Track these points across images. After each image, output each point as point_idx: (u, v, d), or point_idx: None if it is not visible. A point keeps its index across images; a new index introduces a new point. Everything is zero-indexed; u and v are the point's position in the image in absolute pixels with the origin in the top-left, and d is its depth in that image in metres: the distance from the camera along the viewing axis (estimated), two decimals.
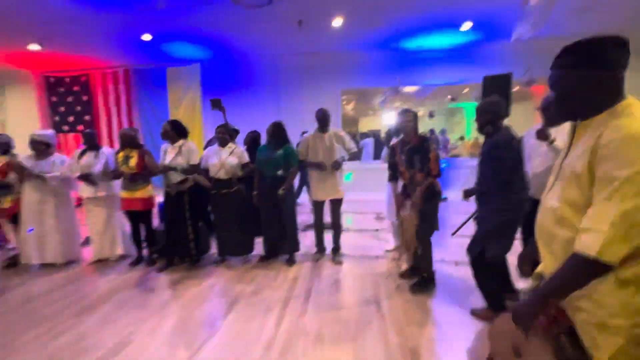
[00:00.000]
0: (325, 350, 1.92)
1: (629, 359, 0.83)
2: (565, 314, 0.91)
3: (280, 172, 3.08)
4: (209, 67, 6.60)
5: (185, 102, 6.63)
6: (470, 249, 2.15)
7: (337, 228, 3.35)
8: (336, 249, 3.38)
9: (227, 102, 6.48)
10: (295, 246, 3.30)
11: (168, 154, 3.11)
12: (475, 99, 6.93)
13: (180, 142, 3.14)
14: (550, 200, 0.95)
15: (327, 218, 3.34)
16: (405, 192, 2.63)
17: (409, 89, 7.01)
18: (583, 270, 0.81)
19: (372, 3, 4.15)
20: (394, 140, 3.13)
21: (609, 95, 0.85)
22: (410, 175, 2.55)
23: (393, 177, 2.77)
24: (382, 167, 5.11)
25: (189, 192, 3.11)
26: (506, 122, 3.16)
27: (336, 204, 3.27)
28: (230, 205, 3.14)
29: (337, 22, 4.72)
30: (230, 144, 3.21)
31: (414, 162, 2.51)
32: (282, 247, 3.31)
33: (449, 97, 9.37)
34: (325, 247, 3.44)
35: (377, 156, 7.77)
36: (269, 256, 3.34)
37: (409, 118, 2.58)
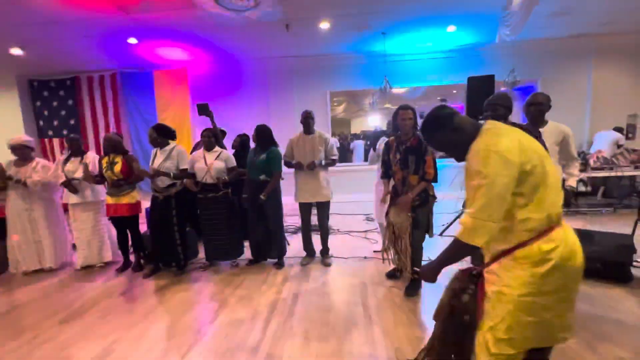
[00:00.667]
0: (312, 352, 1.93)
1: (515, 322, 1.06)
2: (482, 281, 1.19)
3: (262, 177, 3.07)
4: (196, 69, 6.57)
5: (174, 105, 6.58)
6: None
7: (324, 230, 3.35)
8: (324, 251, 3.39)
9: (216, 105, 6.47)
10: (282, 250, 3.29)
11: (157, 158, 3.09)
12: (462, 99, 7.03)
13: (170, 146, 3.11)
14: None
15: (316, 220, 3.35)
16: (395, 192, 2.55)
17: (399, 90, 7.08)
18: (455, 247, 1.14)
19: (358, 7, 4.20)
20: (382, 142, 3.14)
21: (468, 137, 1.14)
22: (403, 176, 2.45)
23: (385, 175, 2.67)
24: (370, 169, 5.16)
25: (176, 197, 3.09)
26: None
27: (323, 206, 3.27)
28: (218, 210, 3.13)
29: (324, 25, 4.75)
30: (216, 148, 3.20)
31: (409, 162, 2.40)
32: (270, 251, 3.30)
33: (439, 98, 9.52)
34: (314, 250, 3.45)
35: (367, 157, 7.86)
36: (257, 260, 3.34)
37: (409, 115, 2.42)
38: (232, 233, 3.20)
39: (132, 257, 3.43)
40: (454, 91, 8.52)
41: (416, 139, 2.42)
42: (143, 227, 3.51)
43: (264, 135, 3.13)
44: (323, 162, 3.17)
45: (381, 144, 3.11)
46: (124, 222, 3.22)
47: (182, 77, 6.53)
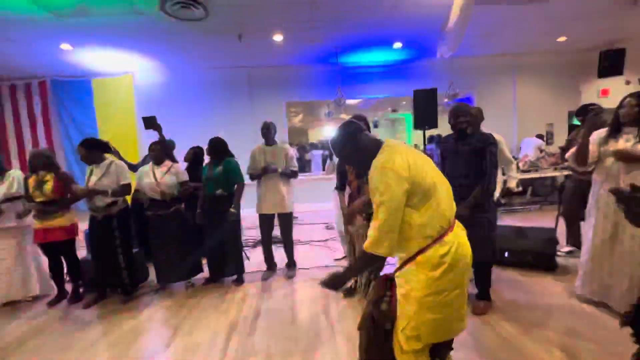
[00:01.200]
0: None
1: (420, 321, 1.18)
2: (393, 286, 1.30)
3: (219, 191, 2.97)
4: (143, 78, 6.18)
5: (117, 116, 6.09)
6: (481, 257, 2.13)
7: (288, 243, 3.30)
8: (290, 263, 3.34)
9: (167, 116, 6.13)
10: (241, 265, 3.18)
11: (93, 175, 2.81)
12: (410, 109, 7.52)
13: (107, 161, 2.86)
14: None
15: (277, 232, 3.31)
16: (351, 202, 2.57)
17: (352, 101, 7.37)
18: (366, 258, 1.24)
19: (308, 21, 4.32)
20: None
21: (368, 150, 1.27)
22: (358, 185, 2.48)
23: (340, 186, 2.68)
24: (328, 178, 5.21)
25: (118, 216, 2.83)
26: (435, 131, 3.34)
27: (285, 218, 3.23)
28: (169, 228, 2.93)
29: (278, 37, 4.81)
30: (166, 162, 3.03)
31: (362, 172, 2.39)
32: (227, 268, 3.17)
33: (390, 108, 10.11)
34: (275, 264, 3.38)
35: (325, 167, 8.00)
36: (215, 278, 3.18)
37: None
38: (186, 252, 3.02)
39: (68, 287, 3.05)
40: (403, 102, 9.13)
41: None
42: (81, 252, 3.16)
43: (218, 147, 3.04)
44: (279, 170, 3.12)
45: None
46: (57, 248, 2.86)
47: (126, 85, 6.09)
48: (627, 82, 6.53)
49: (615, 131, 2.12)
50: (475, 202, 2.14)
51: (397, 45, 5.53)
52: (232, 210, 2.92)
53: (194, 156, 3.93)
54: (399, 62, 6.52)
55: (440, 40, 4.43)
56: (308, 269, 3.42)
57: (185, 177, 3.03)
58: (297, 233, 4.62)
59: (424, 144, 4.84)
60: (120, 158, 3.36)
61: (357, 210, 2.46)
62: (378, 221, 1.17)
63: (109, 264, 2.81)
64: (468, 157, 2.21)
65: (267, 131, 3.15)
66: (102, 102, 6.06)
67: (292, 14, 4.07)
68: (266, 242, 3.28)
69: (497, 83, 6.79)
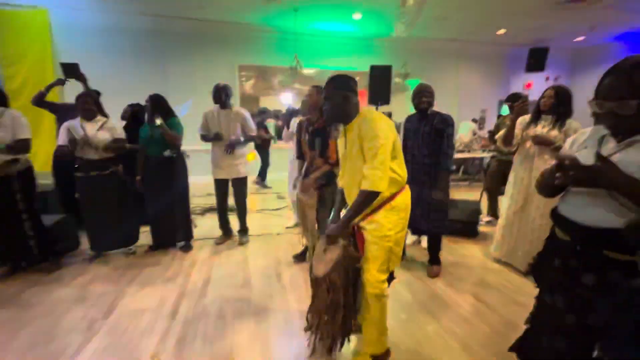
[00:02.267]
0: (227, 328, 1.93)
1: (392, 254, 1.49)
2: (360, 230, 1.52)
3: (167, 152, 2.77)
4: (65, 16, 5.16)
5: (28, 60, 5.07)
6: (437, 227, 2.45)
7: (242, 209, 3.25)
8: (243, 230, 3.32)
9: (95, 66, 5.33)
10: (189, 232, 3.08)
11: None
12: (365, 86, 7.66)
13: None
14: (352, 169, 1.51)
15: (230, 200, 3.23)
16: (307, 173, 2.54)
17: (308, 71, 7.20)
18: (366, 198, 1.38)
19: None
20: (294, 121, 3.16)
21: (356, 109, 1.50)
22: (312, 157, 2.47)
23: (299, 155, 2.63)
24: (286, 147, 5.10)
25: (20, 176, 2.43)
26: (386, 109, 3.47)
27: (239, 183, 3.16)
28: (104, 191, 2.66)
29: None
30: (99, 117, 2.68)
31: (315, 144, 2.40)
32: (176, 234, 3.03)
33: None
34: (231, 230, 3.34)
35: (280, 136, 7.85)
36: (158, 245, 3.02)
37: (311, 92, 2.43)
38: (124, 217, 2.79)
39: None
40: (357, 78, 9.22)
41: (322, 121, 2.39)
42: None
43: (161, 104, 2.77)
44: (242, 139, 3.04)
45: (295, 123, 3.15)
46: None
47: (40, 22, 5.04)
48: (547, 78, 7.51)
49: (535, 118, 2.47)
50: (445, 185, 2.38)
51: (357, 15, 5.46)
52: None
53: (133, 115, 3.53)
54: (358, 36, 6.49)
55: (398, 17, 4.50)
56: (259, 235, 3.45)
57: (121, 133, 2.73)
58: (248, 201, 4.56)
59: None
60: (88, 89, 2.84)
61: (306, 187, 2.42)
62: (377, 162, 1.34)
63: (11, 232, 2.43)
64: (429, 137, 2.36)
65: (220, 94, 2.95)
66: (7, 40, 4.96)
67: None
68: (222, 208, 3.21)
69: (443, 67, 7.23)
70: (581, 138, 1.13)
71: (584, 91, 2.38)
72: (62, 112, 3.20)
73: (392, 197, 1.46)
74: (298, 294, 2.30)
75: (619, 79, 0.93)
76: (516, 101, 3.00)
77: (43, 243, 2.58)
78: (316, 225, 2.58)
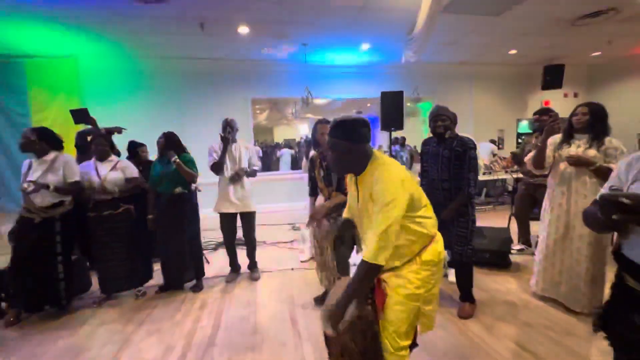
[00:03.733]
0: None
1: (416, 315, 1.27)
2: (380, 284, 1.30)
3: (178, 190, 2.73)
4: (89, 63, 5.55)
5: (57, 105, 5.40)
6: (461, 253, 2.22)
7: (251, 243, 3.14)
8: (252, 265, 3.18)
9: (116, 108, 5.58)
10: (200, 270, 2.96)
11: (34, 170, 2.41)
12: (377, 112, 7.67)
13: (51, 155, 2.47)
14: (368, 226, 1.27)
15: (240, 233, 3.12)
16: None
17: (319, 101, 7.31)
18: (367, 273, 1.18)
19: (275, 16, 4.16)
20: (312, 153, 3.09)
21: (366, 158, 1.26)
22: (329, 193, 2.32)
23: (312, 192, 2.50)
24: (298, 177, 5.01)
25: (62, 219, 2.46)
26: (399, 133, 3.34)
27: (248, 217, 3.07)
28: (116, 230, 2.62)
29: (243, 29, 4.58)
30: (112, 157, 2.71)
31: (332, 179, 2.27)
32: (186, 274, 2.92)
33: (354, 110, 10.24)
34: (239, 265, 3.20)
35: (294, 166, 7.84)
36: (169, 286, 2.91)
37: (322, 128, 2.31)
38: (136, 257, 2.72)
39: None
40: (368, 104, 9.29)
41: None
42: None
43: (173, 141, 2.78)
44: (247, 170, 2.99)
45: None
46: None
47: (69, 70, 5.42)
48: (565, 95, 7.27)
49: (568, 137, 2.27)
50: (458, 207, 2.18)
51: (365, 46, 5.56)
52: (173, 159, 2.63)
53: (130, 149, 3.54)
54: (366, 64, 6.59)
55: (406, 45, 4.53)
56: (272, 271, 3.28)
57: (134, 172, 2.74)
58: (262, 234, 4.45)
59: (390, 145, 4.93)
60: (99, 133, 2.92)
61: (321, 214, 2.25)
62: (381, 229, 1.15)
63: (42, 275, 2.42)
64: (449, 162, 2.20)
65: (230, 129, 2.94)
66: (37, 88, 5.33)
67: (258, 6, 3.89)
68: (230, 243, 3.09)
69: (456, 90, 7.15)
70: (637, 164, 0.96)
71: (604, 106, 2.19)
72: (84, 151, 3.33)
73: (421, 249, 1.28)
74: (314, 342, 2.08)
75: None
76: (545, 114, 2.82)
77: (70, 287, 2.56)
78: (333, 264, 2.40)
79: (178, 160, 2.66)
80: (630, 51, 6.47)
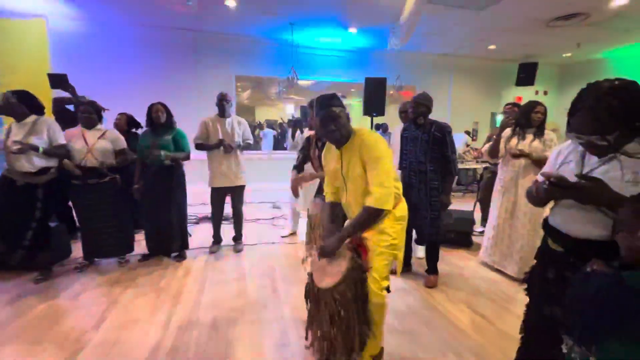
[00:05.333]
0: (221, 338, 1.90)
1: (392, 260, 1.53)
2: (362, 241, 1.50)
3: (167, 161, 2.77)
4: (62, 25, 5.22)
5: (24, 67, 5.08)
6: (433, 234, 2.43)
7: (238, 216, 3.27)
8: (238, 237, 3.32)
9: (92, 76, 5.34)
10: (185, 241, 3.05)
11: (14, 134, 2.35)
12: (358, 96, 7.78)
13: (31, 118, 2.42)
14: (355, 190, 1.53)
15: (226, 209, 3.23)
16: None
17: (304, 82, 7.31)
18: (372, 215, 1.42)
19: None
20: (307, 132, 3.20)
21: (348, 130, 1.50)
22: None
23: (299, 168, 2.59)
24: (281, 157, 5.05)
25: (45, 187, 2.45)
26: (381, 120, 3.54)
27: (238, 191, 3.18)
28: (102, 198, 2.65)
29: (231, 3, 4.48)
30: (99, 125, 2.69)
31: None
32: (170, 244, 3.00)
33: (339, 93, 10.28)
34: (221, 238, 3.32)
35: (276, 146, 7.87)
36: (152, 254, 3.00)
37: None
38: (121, 225, 2.78)
39: None
40: (352, 89, 9.37)
41: None
42: None
43: (171, 112, 2.81)
44: (242, 144, 3.08)
45: (300, 136, 3.23)
46: None
47: (37, 32, 5.08)
48: (536, 92, 7.72)
49: (519, 131, 2.61)
50: (450, 189, 2.43)
51: (352, 30, 5.61)
52: (162, 153, 2.69)
53: (128, 123, 3.55)
54: (353, 49, 6.64)
55: (392, 33, 4.64)
56: (254, 244, 3.44)
57: (123, 143, 2.75)
58: (244, 211, 4.55)
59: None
60: (77, 100, 2.87)
61: (305, 179, 2.40)
62: (382, 181, 1.37)
63: (19, 238, 2.43)
64: (427, 145, 2.37)
65: (223, 102, 3.00)
66: (3, 49, 4.98)
67: None
68: (219, 217, 3.21)
69: (436, 80, 7.39)
70: (565, 151, 1.18)
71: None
72: (62, 117, 3.25)
73: (393, 207, 1.51)
74: (293, 304, 2.29)
75: (586, 116, 0.98)
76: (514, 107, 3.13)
77: (33, 254, 2.53)
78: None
79: (169, 155, 2.71)
80: (596, 55, 6.95)
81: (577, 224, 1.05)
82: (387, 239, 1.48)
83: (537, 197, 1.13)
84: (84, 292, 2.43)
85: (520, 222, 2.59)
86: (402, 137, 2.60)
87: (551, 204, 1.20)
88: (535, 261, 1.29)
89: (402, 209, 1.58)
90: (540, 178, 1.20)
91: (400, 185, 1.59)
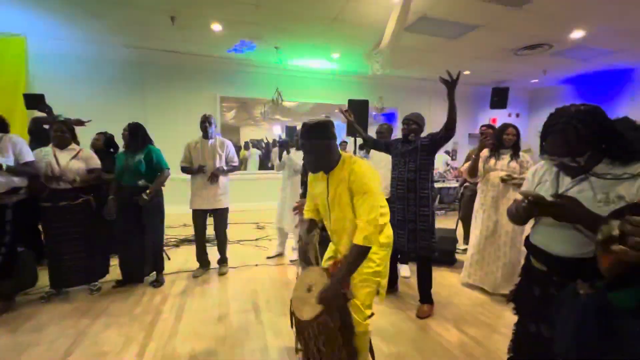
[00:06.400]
0: None
1: (379, 287, 1.51)
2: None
3: (141, 182, 2.69)
4: (43, 44, 5.13)
5: (1, 86, 4.91)
6: (425, 247, 2.31)
7: (221, 240, 3.18)
8: (222, 260, 3.22)
9: (71, 96, 5.23)
10: (160, 265, 2.91)
11: None
12: (342, 119, 7.93)
13: None
14: (341, 218, 1.48)
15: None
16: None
17: (289, 103, 7.44)
18: (361, 253, 1.34)
19: (251, 17, 4.24)
20: (292, 153, 3.28)
21: (338, 155, 1.46)
22: None
23: (304, 194, 2.57)
24: (264, 177, 4.99)
25: (15, 207, 2.31)
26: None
27: (220, 214, 3.10)
28: (74, 222, 2.51)
29: (216, 26, 4.58)
30: (72, 145, 2.60)
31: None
32: (146, 267, 2.86)
33: (323, 114, 10.51)
34: (209, 261, 3.21)
35: (262, 166, 7.82)
36: (128, 280, 2.83)
37: None
38: (94, 250, 2.62)
39: None
40: (336, 110, 9.60)
41: None
42: None
43: (139, 132, 2.75)
44: (225, 168, 3.04)
45: (290, 156, 3.26)
46: None
47: (15, 50, 4.97)
48: (509, 115, 8.17)
49: (495, 152, 2.74)
50: (421, 195, 2.34)
51: (335, 55, 5.82)
52: (143, 196, 2.62)
53: (106, 143, 3.46)
54: (336, 72, 6.87)
55: (373, 58, 4.85)
56: (236, 267, 3.32)
57: (96, 163, 2.65)
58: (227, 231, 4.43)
59: (354, 151, 5.19)
60: (55, 122, 2.78)
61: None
62: (371, 218, 1.33)
63: None
64: (415, 153, 2.35)
65: (205, 124, 2.99)
66: None
67: (234, 6, 3.95)
68: (201, 239, 3.10)
69: (417, 102, 7.71)
70: (540, 171, 1.23)
71: (540, 127, 2.67)
72: (37, 137, 3.14)
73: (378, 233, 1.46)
74: (276, 329, 2.19)
75: (557, 139, 1.03)
76: (489, 128, 3.29)
77: (15, 279, 2.41)
78: (319, 260, 2.48)
79: (150, 189, 2.67)
80: (561, 80, 7.49)
81: (557, 242, 1.08)
82: (371, 266, 1.45)
83: (517, 215, 1.17)
84: (48, 325, 2.24)
85: (502, 239, 2.65)
86: (391, 151, 2.57)
87: (531, 222, 1.24)
88: (519, 279, 1.30)
89: (387, 235, 1.55)
90: (519, 197, 1.24)
91: (386, 210, 1.53)
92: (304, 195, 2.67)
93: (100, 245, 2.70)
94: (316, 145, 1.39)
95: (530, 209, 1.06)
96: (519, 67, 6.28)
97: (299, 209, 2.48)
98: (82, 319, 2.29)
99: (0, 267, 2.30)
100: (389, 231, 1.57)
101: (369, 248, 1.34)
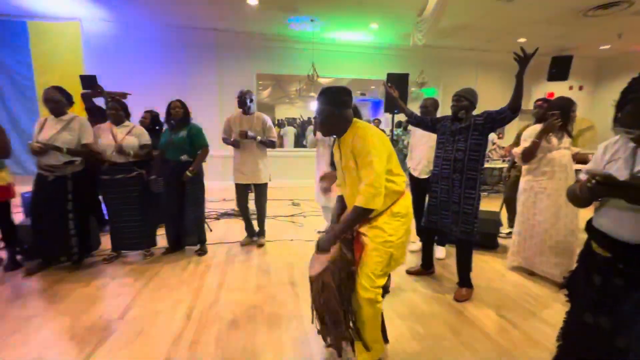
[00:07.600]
0: (240, 335, 1.91)
1: (392, 260, 1.47)
2: (359, 236, 1.51)
3: (184, 157, 2.84)
4: (95, 28, 5.47)
5: (59, 68, 5.37)
6: (466, 231, 2.20)
7: (261, 214, 3.31)
8: (260, 232, 3.39)
9: (120, 76, 5.56)
10: (203, 236, 3.11)
11: (48, 128, 2.49)
12: (380, 94, 7.65)
13: (68, 115, 2.58)
14: (352, 181, 1.50)
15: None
16: None
17: (324, 80, 7.28)
18: (359, 215, 1.40)
19: None
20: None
21: (348, 122, 1.48)
22: None
23: (332, 163, 2.54)
24: (301, 155, 5.04)
25: (74, 178, 2.58)
26: (403, 117, 3.42)
27: (260, 188, 3.22)
28: (128, 193, 2.75)
29: (252, 1, 4.52)
30: (127, 122, 2.79)
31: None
32: (187, 238, 3.07)
33: (359, 92, 10.15)
34: (254, 231, 3.39)
35: (296, 144, 7.89)
36: (175, 248, 3.07)
37: None
38: (146, 219, 2.86)
39: (2, 254, 2.76)
40: (372, 87, 9.22)
41: None
42: (21, 216, 2.85)
43: (186, 110, 2.87)
44: (258, 138, 3.07)
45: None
46: None
47: (72, 34, 5.35)
48: (570, 88, 7.28)
49: (561, 132, 2.51)
50: (470, 177, 2.18)
51: (374, 25, 5.50)
52: (188, 173, 2.80)
53: (152, 120, 3.66)
54: (374, 44, 6.52)
55: (416, 27, 4.50)
56: (272, 241, 3.45)
57: (147, 139, 2.84)
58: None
59: (392, 129, 4.99)
60: (108, 99, 3.03)
61: (329, 180, 2.48)
62: (371, 179, 1.34)
63: (55, 230, 2.57)
64: (467, 132, 2.19)
65: (245, 99, 3.04)
66: (40, 50, 5.28)
67: None
68: (243, 211, 3.29)
69: (461, 76, 7.14)
70: (612, 147, 1.07)
71: (609, 100, 2.37)
72: (93, 114, 3.43)
73: (392, 203, 1.49)
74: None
75: (638, 109, 0.91)
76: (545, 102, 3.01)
77: (84, 242, 2.73)
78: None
79: (192, 166, 2.81)
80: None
81: (627, 227, 0.96)
82: (382, 235, 1.45)
83: (581, 196, 1.04)
84: (111, 283, 2.53)
85: (561, 222, 2.47)
86: (438, 128, 2.40)
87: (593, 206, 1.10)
88: (575, 265, 1.19)
89: (403, 205, 1.52)
90: (583, 177, 1.10)
91: (401, 179, 1.53)
92: (332, 163, 2.64)
93: (151, 215, 2.94)
94: (322, 110, 1.47)
95: (598, 190, 0.94)
96: (586, 31, 5.48)
97: (325, 179, 2.54)
98: (138, 280, 2.55)
99: (72, 230, 2.61)
100: (406, 201, 1.54)
101: (368, 210, 1.38)
